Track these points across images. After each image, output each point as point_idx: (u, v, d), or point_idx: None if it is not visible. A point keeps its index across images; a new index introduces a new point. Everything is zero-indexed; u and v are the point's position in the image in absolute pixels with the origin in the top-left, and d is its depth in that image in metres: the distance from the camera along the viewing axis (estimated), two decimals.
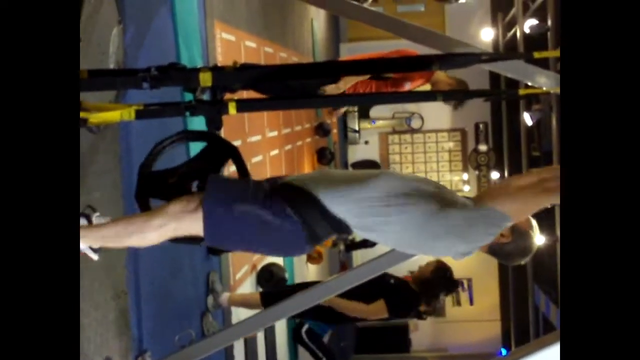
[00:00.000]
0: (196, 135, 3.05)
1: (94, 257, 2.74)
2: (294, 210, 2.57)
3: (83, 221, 2.84)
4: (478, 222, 2.55)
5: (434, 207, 2.54)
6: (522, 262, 2.82)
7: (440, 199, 2.58)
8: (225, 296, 4.83)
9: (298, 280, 7.48)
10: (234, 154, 2.91)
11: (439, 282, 5.36)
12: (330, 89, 4.17)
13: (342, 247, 10.73)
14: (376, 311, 5.24)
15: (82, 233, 2.60)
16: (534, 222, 2.73)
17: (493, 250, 2.71)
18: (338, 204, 2.58)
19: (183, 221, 2.58)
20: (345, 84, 4.34)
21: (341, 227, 2.63)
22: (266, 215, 2.56)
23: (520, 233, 2.69)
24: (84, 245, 2.67)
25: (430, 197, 2.57)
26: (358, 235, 2.66)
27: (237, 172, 2.91)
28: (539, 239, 2.77)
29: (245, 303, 5.20)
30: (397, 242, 2.68)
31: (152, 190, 2.84)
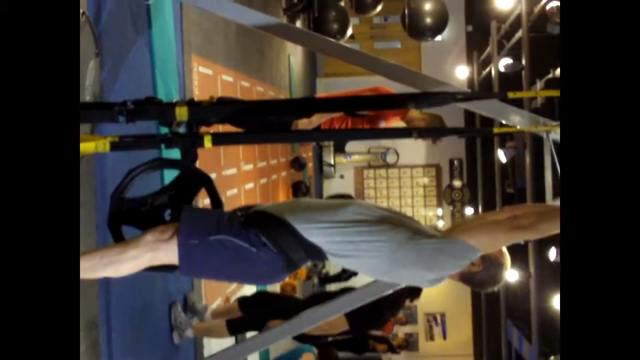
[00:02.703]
0: (169, 163, 3.05)
1: None
2: (269, 239, 2.60)
3: None
4: (446, 253, 2.59)
5: (402, 236, 2.59)
6: (495, 289, 2.86)
7: (409, 229, 2.63)
8: (190, 330, 4.73)
9: None
10: (207, 183, 2.91)
11: (402, 289, 5.27)
12: (303, 123, 4.20)
13: (316, 280, 10.70)
14: (336, 325, 5.17)
15: None
16: (504, 250, 2.76)
17: (464, 278, 2.75)
18: (311, 231, 2.61)
19: (158, 251, 2.59)
20: (319, 118, 4.36)
21: (316, 254, 2.66)
22: (242, 245, 2.58)
23: (491, 261, 2.72)
24: None
25: (399, 227, 2.62)
26: (333, 265, 2.69)
27: (211, 202, 2.91)
28: (509, 267, 2.80)
29: (210, 332, 5.12)
30: (368, 269, 2.71)
31: (124, 218, 2.83)
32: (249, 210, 2.73)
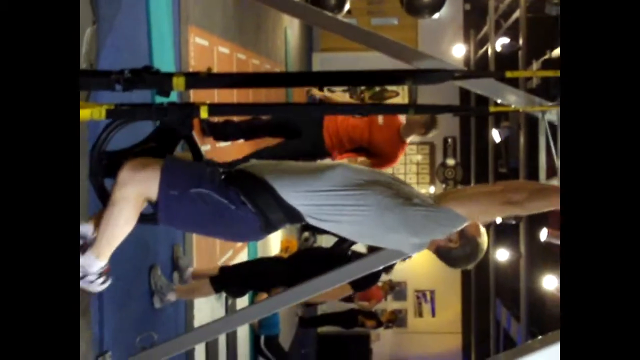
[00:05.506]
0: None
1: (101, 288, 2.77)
2: (248, 198, 2.62)
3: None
4: (434, 219, 2.60)
5: (391, 200, 2.59)
6: (468, 267, 2.88)
7: (397, 192, 2.63)
8: (172, 294, 4.62)
9: None
10: (187, 135, 2.90)
11: None
12: None
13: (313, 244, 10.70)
14: (340, 292, 5.19)
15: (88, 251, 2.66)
16: (482, 229, 2.77)
17: (440, 252, 2.75)
18: (291, 194, 2.63)
19: (137, 179, 2.60)
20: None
21: (295, 216, 2.68)
22: (221, 201, 2.60)
23: (467, 239, 2.73)
24: (95, 269, 2.69)
25: (386, 190, 2.62)
26: (325, 239, 2.69)
27: (192, 155, 2.90)
28: (486, 248, 2.81)
29: (194, 292, 5.00)
30: (351, 232, 2.72)
31: (105, 171, 2.81)
32: (232, 167, 2.74)
